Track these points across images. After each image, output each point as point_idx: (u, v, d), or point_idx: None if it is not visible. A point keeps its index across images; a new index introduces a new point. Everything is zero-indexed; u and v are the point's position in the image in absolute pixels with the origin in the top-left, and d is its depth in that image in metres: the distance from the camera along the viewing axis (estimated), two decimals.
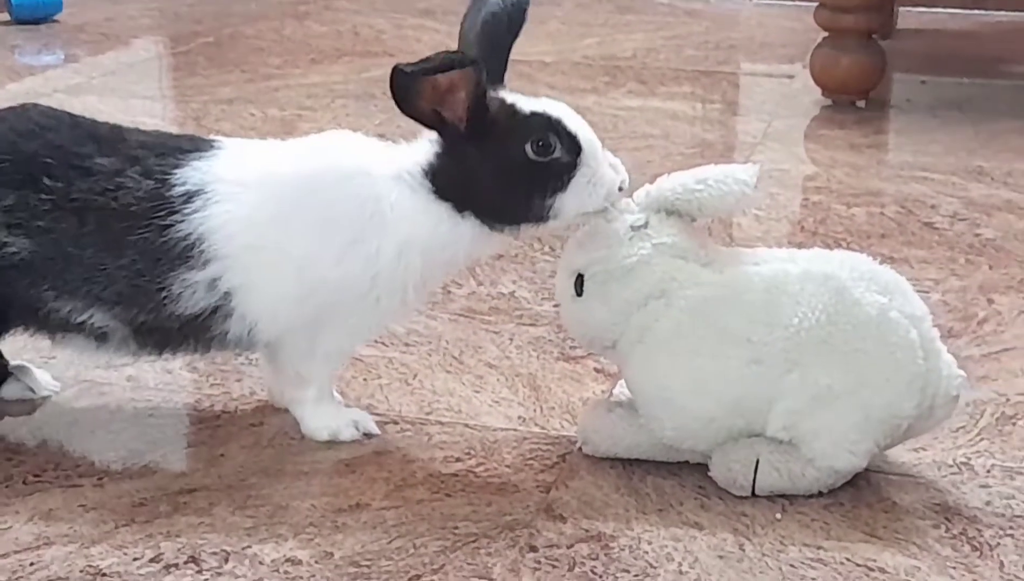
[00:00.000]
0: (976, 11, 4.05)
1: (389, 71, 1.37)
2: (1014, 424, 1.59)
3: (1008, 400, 1.65)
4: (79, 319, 1.45)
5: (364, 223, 1.44)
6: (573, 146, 1.42)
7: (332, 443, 1.53)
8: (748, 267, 1.46)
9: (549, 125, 1.42)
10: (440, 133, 1.43)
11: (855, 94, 3.01)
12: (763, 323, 1.41)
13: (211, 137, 1.52)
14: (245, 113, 2.82)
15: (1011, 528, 1.38)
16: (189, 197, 1.42)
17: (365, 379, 1.69)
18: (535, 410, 1.63)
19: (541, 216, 1.43)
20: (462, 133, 1.41)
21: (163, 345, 1.49)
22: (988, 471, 1.49)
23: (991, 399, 1.65)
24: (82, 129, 1.47)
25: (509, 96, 1.43)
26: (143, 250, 1.42)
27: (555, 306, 1.69)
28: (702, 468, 1.46)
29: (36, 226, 1.42)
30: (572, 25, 3.83)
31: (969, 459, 1.52)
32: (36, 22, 3.77)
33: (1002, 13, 4.03)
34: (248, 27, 3.80)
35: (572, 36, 3.70)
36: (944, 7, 4.05)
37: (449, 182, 1.44)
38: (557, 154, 1.41)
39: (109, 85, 3.16)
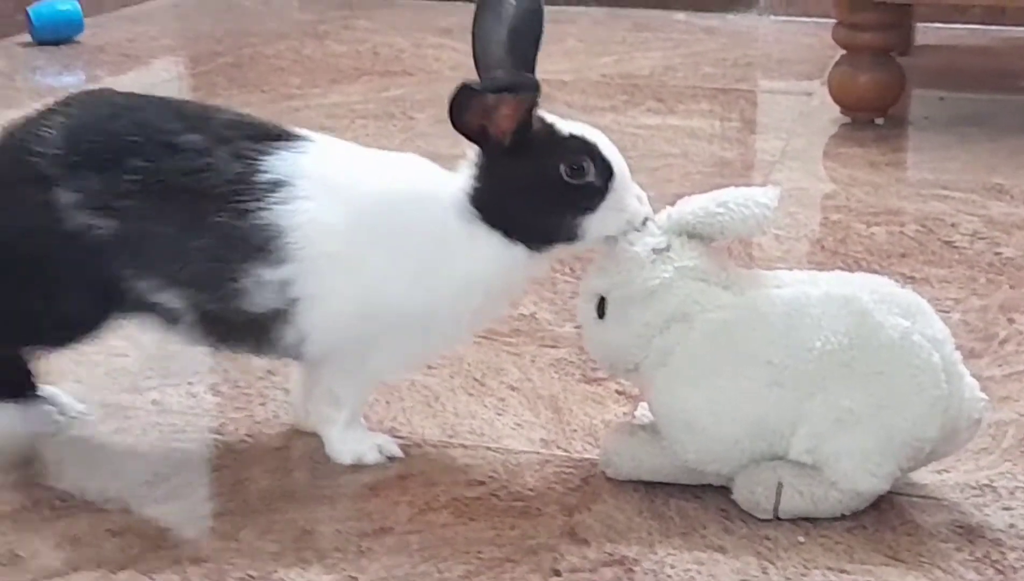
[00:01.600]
0: (994, 27, 4.04)
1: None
2: None
3: None
4: (154, 299, 1.44)
5: (434, 249, 1.44)
6: (605, 172, 1.44)
7: (356, 467, 1.54)
8: (769, 290, 1.47)
9: (585, 149, 1.43)
10: (483, 148, 1.44)
11: (873, 112, 3.01)
12: (785, 346, 1.42)
13: (298, 129, 1.51)
14: None
15: None
16: (274, 187, 1.42)
17: (388, 402, 1.69)
18: (557, 432, 1.63)
19: (570, 236, 1.45)
20: (505, 149, 1.42)
21: (225, 338, 1.49)
22: (1011, 493, 1.49)
23: (1013, 420, 1.65)
24: (169, 107, 1.47)
25: (548, 116, 1.45)
26: (221, 234, 1.41)
27: (576, 327, 1.69)
28: (725, 491, 1.47)
29: (122, 206, 1.41)
30: (589, 43, 3.84)
31: (992, 481, 1.52)
32: (57, 43, 3.78)
33: (1020, 28, 4.02)
34: (268, 47, 3.82)
35: (589, 54, 3.71)
36: (962, 23, 4.05)
37: (491, 203, 1.45)
38: (590, 178, 1.43)
39: None
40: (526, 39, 1.45)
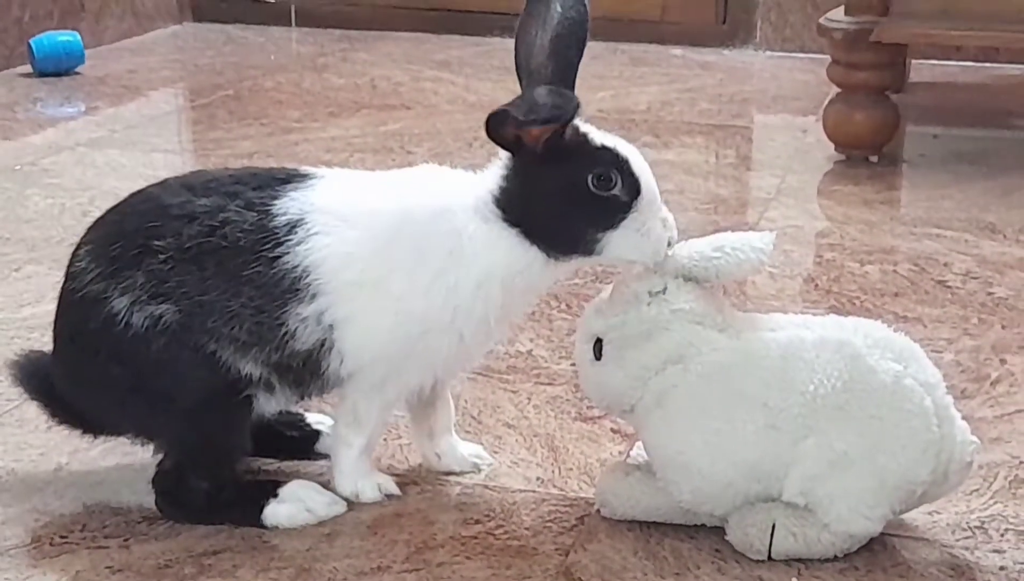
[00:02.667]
0: (988, 64, 4.08)
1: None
2: None
3: (1021, 463, 1.67)
4: (241, 370, 1.46)
5: (446, 258, 1.46)
6: (633, 188, 1.44)
7: (354, 504, 1.55)
8: (764, 333, 1.49)
9: (615, 161, 1.44)
10: (515, 154, 1.46)
11: (868, 149, 3.03)
12: (779, 389, 1.44)
13: (302, 167, 1.54)
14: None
15: None
16: (291, 228, 1.45)
17: (386, 439, 1.71)
18: (553, 471, 1.65)
19: (589, 249, 1.46)
20: (537, 155, 1.43)
21: (299, 385, 1.51)
22: (1002, 535, 1.51)
23: (1004, 461, 1.67)
24: (171, 185, 1.51)
25: (583, 125, 1.46)
26: (256, 286, 1.44)
27: (572, 365, 1.71)
28: (719, 531, 1.48)
29: (169, 287, 1.44)
30: (586, 78, 3.83)
31: (983, 523, 1.53)
32: (58, 74, 3.82)
33: (1014, 66, 4.06)
34: (268, 79, 3.85)
35: (587, 88, 3.71)
36: (957, 60, 4.08)
37: (516, 205, 1.46)
38: (616, 191, 1.43)
39: (131, 138, 3.20)
40: (570, 46, 1.46)
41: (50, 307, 1.55)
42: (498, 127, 1.41)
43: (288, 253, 1.45)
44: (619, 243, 1.45)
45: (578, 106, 1.39)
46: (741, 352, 1.46)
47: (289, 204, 1.47)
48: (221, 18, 4.66)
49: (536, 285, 1.51)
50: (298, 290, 1.45)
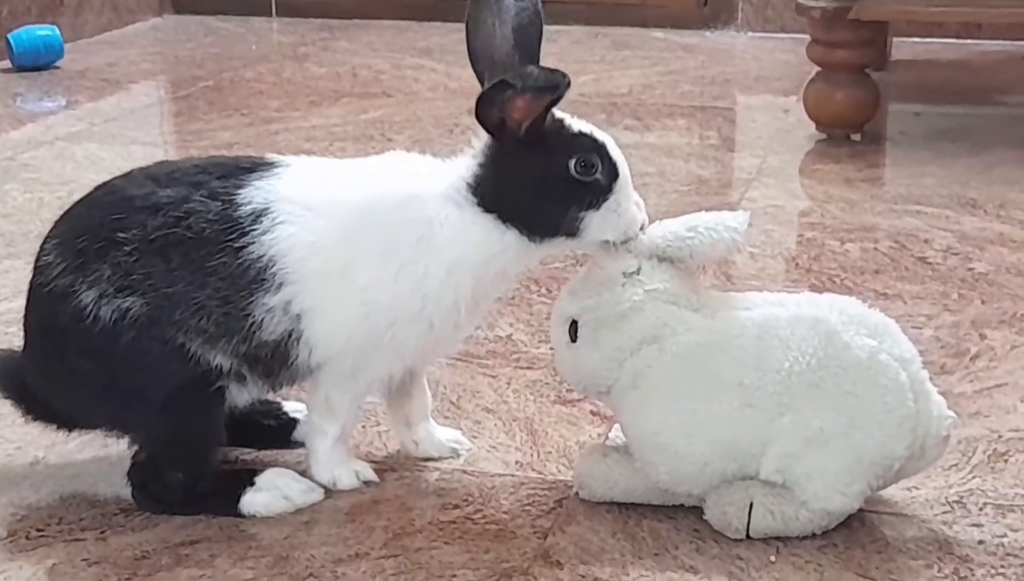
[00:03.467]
0: (970, 41, 4.07)
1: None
2: (1006, 461, 1.61)
3: (1000, 437, 1.67)
4: (211, 362, 1.46)
5: (414, 246, 1.46)
6: (612, 172, 1.46)
7: (331, 492, 1.55)
8: (739, 312, 1.48)
9: (595, 147, 1.46)
10: (496, 138, 1.46)
11: (849, 128, 3.03)
12: (754, 367, 1.43)
13: (268, 156, 1.53)
14: None
15: (1003, 566, 1.40)
16: (256, 217, 1.45)
17: (364, 426, 1.70)
18: (532, 455, 1.64)
19: (571, 230, 1.46)
20: (518, 140, 1.44)
21: (268, 375, 1.50)
22: (980, 509, 1.51)
23: (983, 436, 1.67)
24: (135, 176, 1.50)
25: (558, 112, 1.46)
26: (223, 276, 1.44)
27: (551, 349, 1.71)
28: (697, 511, 1.48)
29: (135, 279, 1.43)
30: (568, 61, 3.85)
31: (961, 497, 1.53)
32: (37, 69, 3.80)
33: (996, 42, 4.05)
34: (248, 70, 3.84)
35: (568, 72, 3.73)
36: (938, 37, 4.08)
37: (493, 191, 1.47)
38: (598, 176, 1.45)
39: (110, 131, 3.19)
40: (531, 36, 1.47)
41: None
42: (491, 105, 1.41)
43: (253, 242, 1.44)
44: (599, 224, 1.46)
45: (569, 81, 1.40)
46: (716, 332, 1.46)
47: (254, 193, 1.46)
48: (201, 9, 4.64)
49: (508, 272, 1.51)
50: (264, 280, 1.44)
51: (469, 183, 1.47)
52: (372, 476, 1.57)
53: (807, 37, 3.06)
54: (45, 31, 3.85)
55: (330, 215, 1.46)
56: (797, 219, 2.56)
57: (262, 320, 1.45)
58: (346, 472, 1.56)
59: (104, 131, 3.19)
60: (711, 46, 4.14)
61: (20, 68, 3.78)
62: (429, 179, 1.50)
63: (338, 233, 1.46)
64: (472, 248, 1.47)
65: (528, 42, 1.47)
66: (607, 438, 1.61)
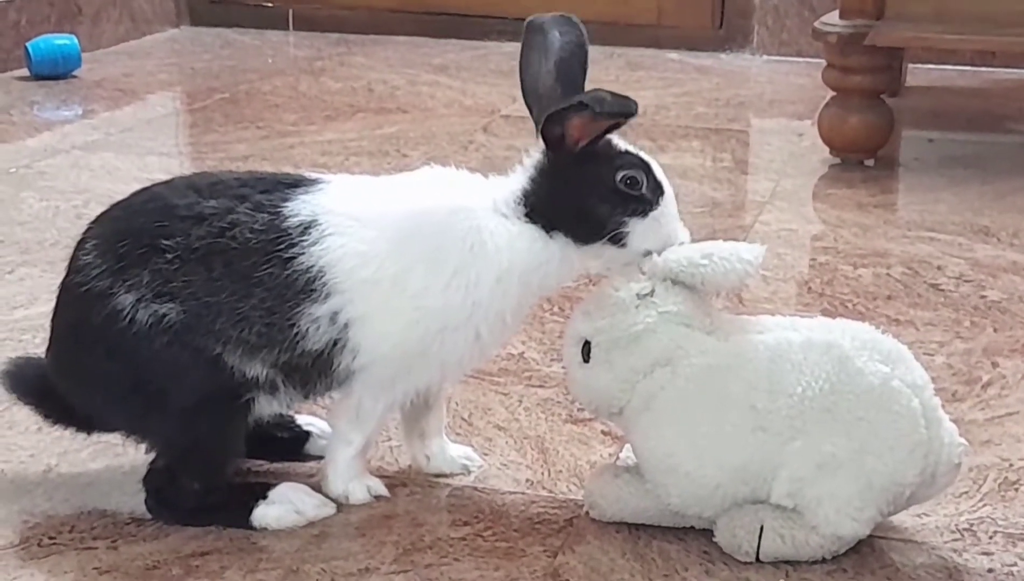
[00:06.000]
0: (984, 68, 4.08)
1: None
2: (1016, 490, 1.61)
3: (1011, 465, 1.67)
4: (246, 372, 1.47)
5: (465, 254, 1.48)
6: (657, 188, 1.50)
7: (343, 506, 1.55)
8: (752, 335, 1.49)
9: (641, 165, 1.50)
10: (553, 150, 1.49)
11: (863, 153, 3.04)
12: (767, 391, 1.44)
13: (310, 173, 1.56)
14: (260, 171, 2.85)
15: None
16: (305, 229, 1.47)
17: (376, 440, 1.70)
18: (543, 473, 1.65)
19: (617, 236, 1.49)
20: (571, 156, 1.47)
21: (306, 384, 1.51)
22: (991, 537, 1.51)
23: (994, 464, 1.67)
24: (177, 185, 1.52)
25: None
26: (269, 286, 1.45)
27: (563, 368, 1.71)
28: (707, 533, 1.48)
29: (175, 287, 1.45)
30: None
31: (972, 525, 1.53)
32: (55, 78, 3.81)
33: (1010, 70, 4.06)
34: (264, 83, 3.85)
35: None
36: (953, 64, 4.09)
37: (542, 201, 1.50)
38: (643, 191, 1.49)
39: (126, 141, 3.20)
40: (573, 68, 1.51)
41: (43, 309, 1.56)
42: (560, 122, 1.44)
43: (303, 254, 1.46)
44: (642, 232, 1.49)
45: (637, 107, 1.44)
46: (729, 354, 1.47)
47: (300, 206, 1.48)
48: (218, 22, 4.66)
49: (550, 282, 1.54)
50: (312, 290, 1.46)
51: (518, 196, 1.51)
52: (384, 491, 1.58)
53: (822, 61, 3.07)
54: (63, 40, 3.87)
55: (379, 225, 1.49)
56: (810, 243, 2.56)
57: (307, 330, 1.46)
58: (359, 486, 1.57)
59: (120, 141, 3.21)
60: (726, 68, 4.15)
61: (38, 77, 3.80)
62: (472, 191, 1.53)
63: (388, 243, 1.48)
64: (519, 256, 1.50)
65: (571, 73, 1.50)
66: (618, 458, 1.62)
